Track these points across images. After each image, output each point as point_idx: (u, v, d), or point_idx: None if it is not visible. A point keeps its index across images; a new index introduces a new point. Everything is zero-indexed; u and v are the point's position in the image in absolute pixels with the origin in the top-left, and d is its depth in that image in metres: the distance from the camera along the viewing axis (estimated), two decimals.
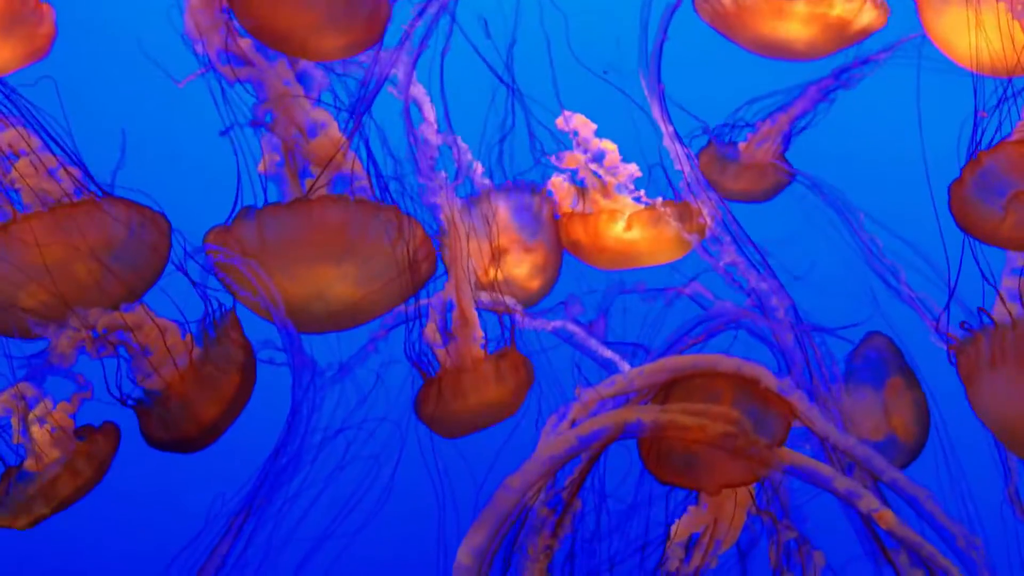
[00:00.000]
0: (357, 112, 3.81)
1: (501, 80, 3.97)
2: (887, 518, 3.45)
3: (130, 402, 3.59)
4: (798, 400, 3.50)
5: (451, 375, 3.85)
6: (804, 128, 4.35)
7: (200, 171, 3.72)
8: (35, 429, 3.49)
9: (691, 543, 3.68)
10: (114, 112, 4.17)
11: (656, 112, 4.15)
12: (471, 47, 3.88)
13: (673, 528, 3.63)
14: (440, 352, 3.88)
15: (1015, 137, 3.73)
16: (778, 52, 4.14)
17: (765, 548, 3.72)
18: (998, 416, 3.60)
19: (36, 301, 3.45)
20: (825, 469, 3.45)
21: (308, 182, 3.82)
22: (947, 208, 3.73)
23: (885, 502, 3.55)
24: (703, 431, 3.37)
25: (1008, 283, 3.84)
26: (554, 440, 3.43)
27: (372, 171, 3.84)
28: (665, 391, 3.52)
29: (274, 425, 3.75)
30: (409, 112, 3.90)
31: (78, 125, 3.59)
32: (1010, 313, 3.65)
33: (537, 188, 4.09)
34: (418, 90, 3.89)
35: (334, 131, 3.82)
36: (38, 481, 3.49)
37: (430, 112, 3.91)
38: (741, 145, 4.38)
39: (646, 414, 3.39)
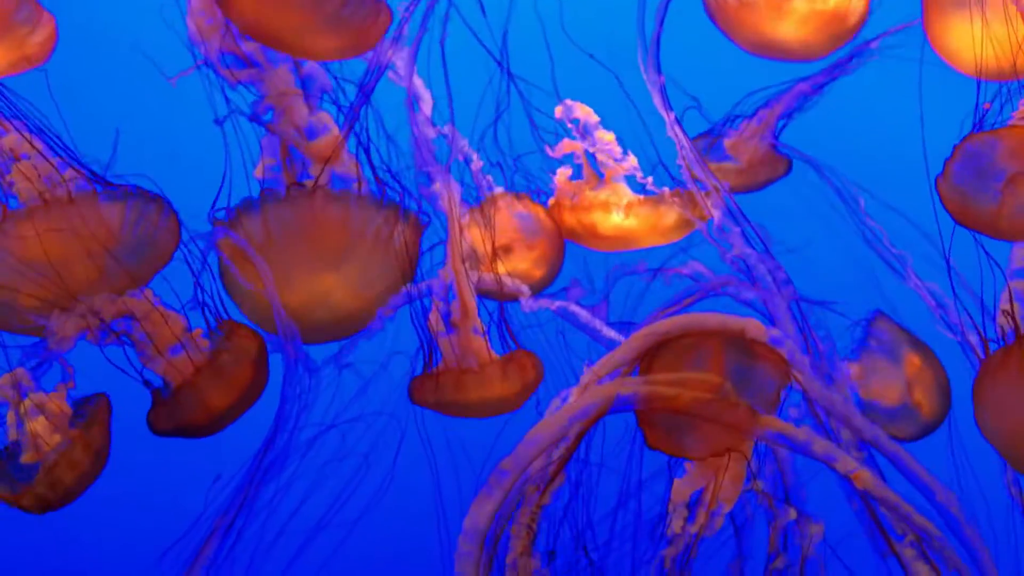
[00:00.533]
0: (356, 104, 3.83)
1: (499, 63, 3.97)
2: (863, 478, 3.46)
3: (151, 387, 3.63)
4: (787, 349, 3.51)
5: (452, 372, 3.87)
6: (793, 121, 4.33)
7: (199, 170, 3.73)
8: (30, 418, 3.54)
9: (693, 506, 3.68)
10: (111, 111, 4.19)
11: (656, 101, 4.14)
12: (468, 37, 3.89)
13: (673, 488, 3.63)
14: (443, 343, 3.91)
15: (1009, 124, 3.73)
16: (776, 52, 4.12)
17: (760, 522, 3.73)
18: (998, 427, 3.60)
19: (38, 296, 3.48)
20: (802, 433, 3.45)
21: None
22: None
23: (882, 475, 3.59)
24: (679, 399, 3.39)
25: (1016, 284, 3.84)
26: (545, 420, 3.47)
27: (371, 166, 3.86)
28: (652, 356, 3.51)
29: (273, 417, 3.79)
30: (410, 103, 3.91)
31: (75, 125, 3.63)
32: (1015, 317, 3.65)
33: (536, 190, 4.11)
34: (417, 81, 3.90)
35: (334, 132, 3.84)
36: (43, 468, 3.53)
37: (427, 104, 3.92)
38: (727, 143, 4.36)
39: (629, 387, 3.42)
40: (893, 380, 4.00)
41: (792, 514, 3.67)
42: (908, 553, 3.70)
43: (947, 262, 3.73)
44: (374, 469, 3.91)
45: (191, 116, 3.80)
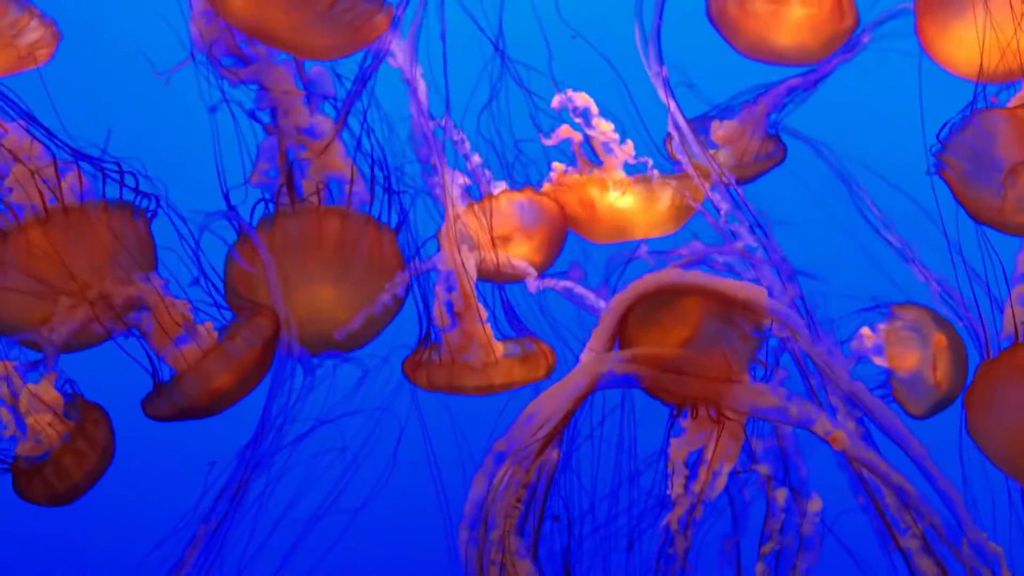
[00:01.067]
0: (352, 95, 3.84)
1: (496, 46, 3.97)
2: (840, 439, 3.47)
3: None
4: (764, 299, 3.53)
5: (452, 364, 3.87)
6: (797, 106, 4.29)
7: (201, 169, 3.77)
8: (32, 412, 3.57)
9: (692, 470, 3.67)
10: (111, 111, 4.23)
11: (659, 91, 4.13)
12: (465, 25, 3.90)
13: (671, 448, 3.64)
14: (445, 336, 3.90)
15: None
16: (775, 58, 4.11)
17: (756, 499, 3.74)
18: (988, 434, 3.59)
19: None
20: (773, 401, 3.46)
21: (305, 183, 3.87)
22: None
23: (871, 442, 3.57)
24: (659, 381, 3.43)
25: (1020, 290, 3.79)
26: (538, 400, 3.50)
27: (372, 161, 3.88)
28: (630, 316, 3.53)
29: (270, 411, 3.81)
30: (413, 94, 3.91)
31: (74, 124, 3.66)
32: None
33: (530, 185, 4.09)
34: (415, 74, 3.91)
35: (333, 138, 3.87)
36: (51, 457, 3.57)
37: (424, 95, 3.93)
38: (717, 136, 4.32)
39: (610, 365, 3.47)
40: (916, 351, 3.95)
41: (782, 496, 3.65)
42: (912, 544, 3.68)
43: (949, 245, 3.71)
44: (375, 462, 3.92)
45: (193, 115, 3.83)
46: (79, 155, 3.64)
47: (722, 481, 3.59)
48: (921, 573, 3.64)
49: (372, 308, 3.80)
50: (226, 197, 3.80)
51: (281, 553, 3.88)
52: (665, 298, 3.52)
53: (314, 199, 3.85)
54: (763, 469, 3.69)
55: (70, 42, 3.75)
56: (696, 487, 3.57)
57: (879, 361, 3.90)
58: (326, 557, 4.08)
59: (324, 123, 3.89)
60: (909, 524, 3.65)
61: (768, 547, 3.64)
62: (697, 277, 3.52)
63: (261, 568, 3.83)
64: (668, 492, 3.60)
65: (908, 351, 3.90)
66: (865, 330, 3.90)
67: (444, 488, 3.87)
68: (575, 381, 3.46)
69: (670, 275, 3.53)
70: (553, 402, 3.47)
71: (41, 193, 3.55)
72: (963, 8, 3.73)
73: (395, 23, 3.77)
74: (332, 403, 3.88)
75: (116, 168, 3.62)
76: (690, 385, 3.44)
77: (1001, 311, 3.76)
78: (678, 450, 3.59)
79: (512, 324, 4.03)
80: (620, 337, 3.56)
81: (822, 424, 3.45)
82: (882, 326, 3.93)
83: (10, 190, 3.57)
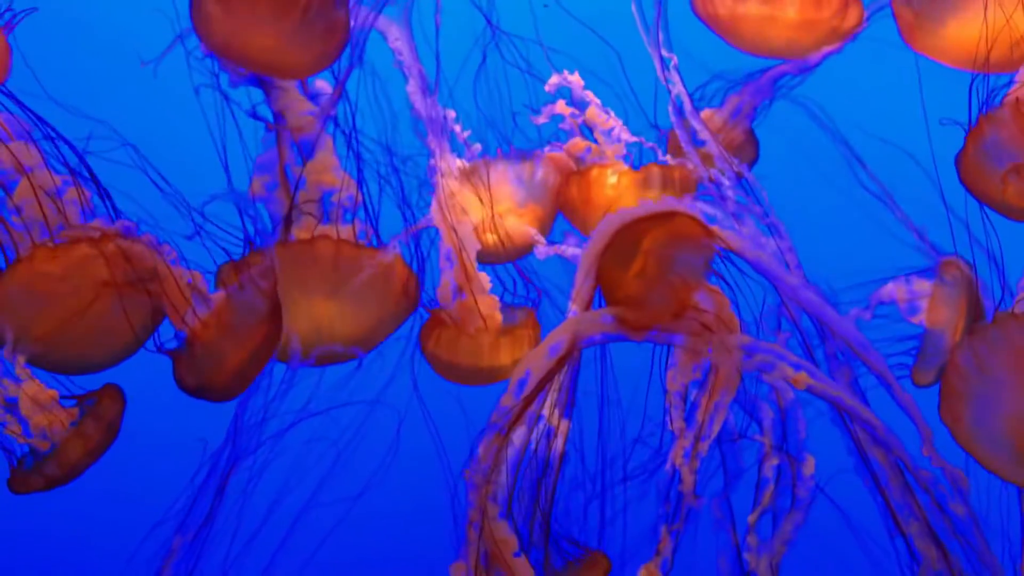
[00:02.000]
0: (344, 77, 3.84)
1: (489, 21, 3.97)
2: (801, 379, 3.44)
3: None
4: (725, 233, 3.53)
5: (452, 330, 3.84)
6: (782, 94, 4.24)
7: (202, 167, 3.79)
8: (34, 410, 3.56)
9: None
10: (107, 111, 4.28)
11: (659, 73, 4.09)
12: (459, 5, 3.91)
13: (668, 379, 3.61)
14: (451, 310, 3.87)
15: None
16: (770, 55, 4.07)
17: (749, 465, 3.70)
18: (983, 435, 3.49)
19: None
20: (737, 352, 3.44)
21: (301, 193, 3.87)
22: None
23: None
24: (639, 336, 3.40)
25: None
26: (519, 366, 3.46)
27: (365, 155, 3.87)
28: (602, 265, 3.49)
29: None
30: (419, 81, 3.90)
31: (71, 124, 3.69)
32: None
33: (527, 154, 4.07)
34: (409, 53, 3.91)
35: (332, 153, 3.88)
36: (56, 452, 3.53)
37: (419, 76, 3.93)
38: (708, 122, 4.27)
39: (585, 325, 3.43)
40: (946, 310, 3.84)
41: (773, 460, 3.59)
42: (914, 529, 3.63)
43: (948, 217, 3.66)
44: (369, 454, 3.88)
45: (193, 114, 3.85)
46: (79, 159, 3.65)
47: (723, 414, 3.54)
48: (921, 555, 3.59)
49: (383, 255, 3.77)
50: (240, 199, 3.81)
51: (271, 549, 3.83)
52: (631, 237, 3.47)
53: (311, 208, 3.85)
54: (766, 440, 3.62)
55: (69, 41, 3.80)
56: (700, 416, 3.53)
57: (914, 320, 3.82)
58: (319, 551, 4.04)
59: (325, 137, 3.89)
60: (914, 508, 3.57)
61: (754, 516, 3.61)
62: (650, 208, 3.49)
63: (250, 565, 3.77)
64: (670, 426, 3.57)
65: (942, 308, 3.79)
66: (898, 286, 3.81)
67: (443, 476, 3.81)
68: (554, 343, 3.43)
69: (628, 213, 3.50)
70: (534, 366, 3.42)
71: (45, 212, 3.56)
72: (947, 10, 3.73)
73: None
74: (325, 395, 3.84)
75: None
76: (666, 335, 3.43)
77: (1003, 288, 3.68)
78: (674, 381, 3.56)
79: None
80: (601, 287, 3.55)
81: (782, 370, 3.44)
82: (922, 280, 3.85)
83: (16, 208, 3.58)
